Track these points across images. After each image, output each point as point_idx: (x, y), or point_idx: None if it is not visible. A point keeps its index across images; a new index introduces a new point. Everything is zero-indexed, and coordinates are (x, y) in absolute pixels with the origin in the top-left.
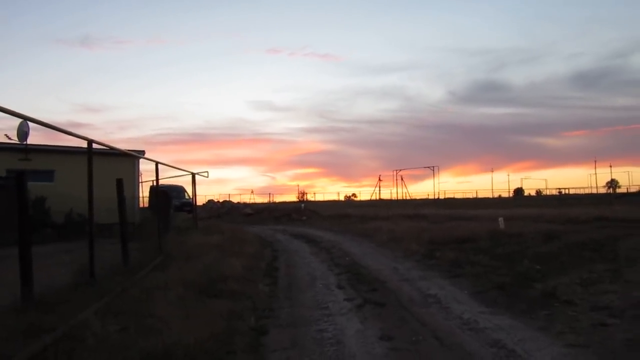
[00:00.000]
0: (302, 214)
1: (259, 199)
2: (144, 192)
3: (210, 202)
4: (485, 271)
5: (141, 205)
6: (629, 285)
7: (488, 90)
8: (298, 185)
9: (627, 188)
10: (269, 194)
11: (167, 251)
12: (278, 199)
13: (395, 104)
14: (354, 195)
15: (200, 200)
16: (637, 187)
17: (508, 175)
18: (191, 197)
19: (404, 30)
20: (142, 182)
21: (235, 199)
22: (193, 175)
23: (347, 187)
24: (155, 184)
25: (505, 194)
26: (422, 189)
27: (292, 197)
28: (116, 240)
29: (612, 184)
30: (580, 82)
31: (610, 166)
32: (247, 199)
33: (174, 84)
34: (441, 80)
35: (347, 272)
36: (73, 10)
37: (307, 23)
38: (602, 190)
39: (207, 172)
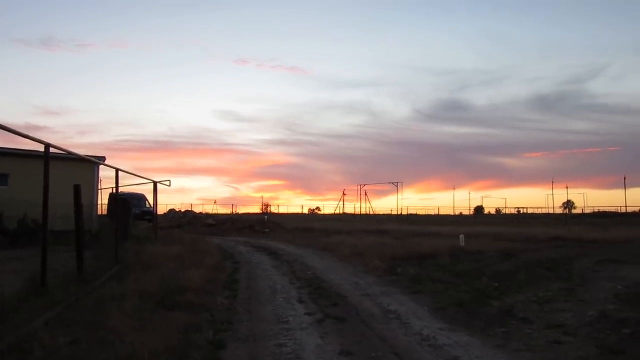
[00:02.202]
0: (265, 226)
1: (222, 210)
2: (104, 199)
3: (172, 211)
4: (445, 288)
5: (100, 212)
6: (582, 304)
7: (452, 110)
8: (262, 197)
9: (582, 209)
10: (233, 205)
11: (124, 261)
12: (241, 210)
13: (361, 119)
14: (318, 209)
15: (162, 210)
16: (592, 208)
17: (469, 193)
18: (152, 206)
19: (372, 47)
20: (101, 189)
21: (197, 209)
22: (155, 183)
23: (312, 200)
24: (115, 191)
25: (466, 212)
26: (385, 204)
27: (256, 209)
28: (72, 249)
29: (568, 204)
30: (539, 106)
31: (567, 187)
32: (210, 209)
33: (138, 90)
34: (407, 98)
35: (308, 286)
36: (35, 11)
37: (276, 36)
38: (559, 211)
39: (169, 181)
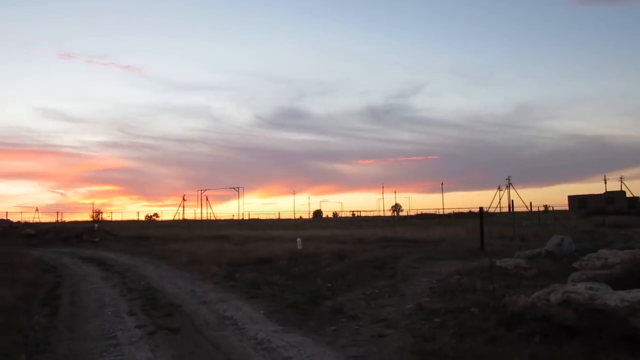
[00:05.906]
0: (95, 235)
1: (45, 218)
2: None
3: None
4: (281, 291)
5: None
6: (403, 298)
7: (292, 117)
8: (93, 204)
9: (408, 211)
10: (57, 212)
11: None
12: (68, 218)
13: (201, 123)
14: (155, 215)
15: None
16: (416, 210)
17: (309, 197)
18: None
19: (212, 51)
20: None
21: (15, 218)
22: None
23: (149, 206)
24: None
25: (305, 216)
26: (227, 209)
27: (86, 217)
28: None
29: (396, 207)
30: (371, 116)
31: (395, 192)
32: (31, 217)
33: None
34: (248, 103)
35: (140, 297)
36: None
37: (109, 31)
38: (388, 213)
39: None
